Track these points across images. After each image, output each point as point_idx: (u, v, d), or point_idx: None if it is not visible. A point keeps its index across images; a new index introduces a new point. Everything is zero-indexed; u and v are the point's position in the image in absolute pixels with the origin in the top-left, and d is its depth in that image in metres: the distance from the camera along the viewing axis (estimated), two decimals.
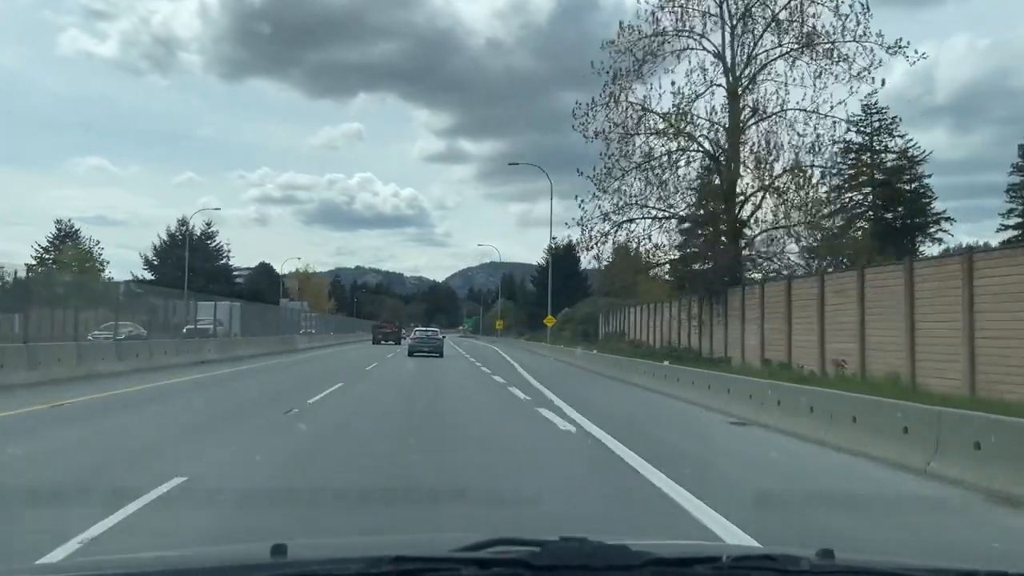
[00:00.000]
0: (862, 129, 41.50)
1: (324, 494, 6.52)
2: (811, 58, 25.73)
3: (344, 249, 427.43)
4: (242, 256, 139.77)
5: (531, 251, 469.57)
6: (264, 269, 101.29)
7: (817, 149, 26.21)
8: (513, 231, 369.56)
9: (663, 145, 27.27)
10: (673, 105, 26.68)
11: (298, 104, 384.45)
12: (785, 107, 26.29)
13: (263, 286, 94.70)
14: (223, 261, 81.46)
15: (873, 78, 25.62)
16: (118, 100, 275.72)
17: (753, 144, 26.60)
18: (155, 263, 72.65)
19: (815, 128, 25.99)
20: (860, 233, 33.96)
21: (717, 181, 27.15)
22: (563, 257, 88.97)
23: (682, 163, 27.44)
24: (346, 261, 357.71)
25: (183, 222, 72.98)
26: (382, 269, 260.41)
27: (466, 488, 6.82)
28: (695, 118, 26.80)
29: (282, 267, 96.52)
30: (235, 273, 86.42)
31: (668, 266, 29.79)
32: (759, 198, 26.71)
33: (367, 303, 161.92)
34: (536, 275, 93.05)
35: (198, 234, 75.30)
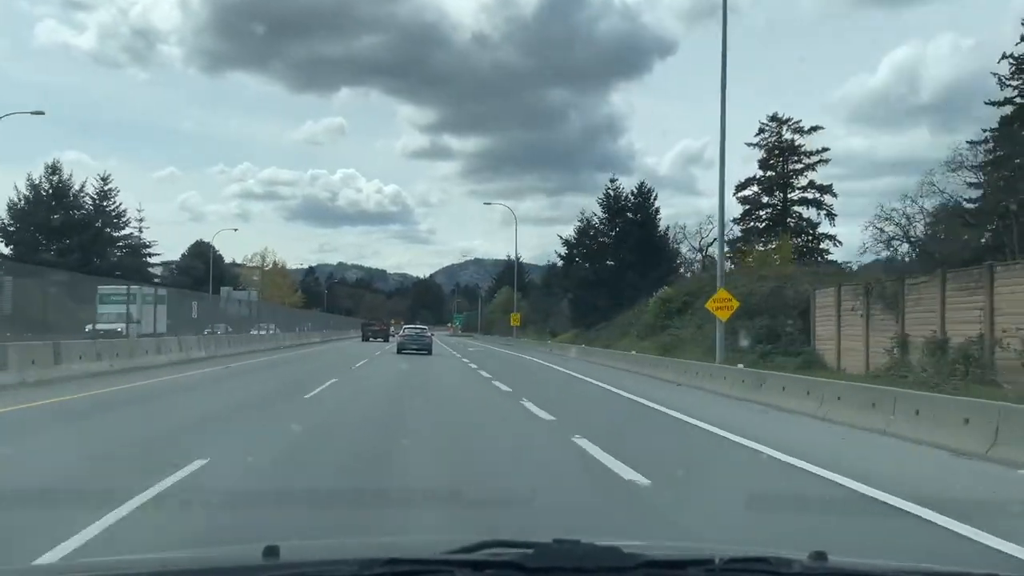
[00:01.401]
0: None
1: None
2: None
3: (327, 246, 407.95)
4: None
5: (519, 249, 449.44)
6: (199, 251, 78.86)
7: None
8: (496, 229, 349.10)
9: None
10: None
11: (280, 98, 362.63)
12: None
13: (201, 272, 72.97)
14: (127, 231, 59.40)
15: None
16: (96, 93, 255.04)
17: None
18: (11, 229, 50.19)
19: None
20: None
21: None
22: (629, 210, 55.25)
23: None
24: (329, 258, 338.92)
25: (54, 169, 50.47)
26: (365, 266, 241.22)
27: None
28: None
29: (214, 238, 74.02)
30: (150, 251, 63.99)
31: None
32: None
33: (345, 298, 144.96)
34: (583, 229, 58.39)
35: (76, 187, 52.91)
